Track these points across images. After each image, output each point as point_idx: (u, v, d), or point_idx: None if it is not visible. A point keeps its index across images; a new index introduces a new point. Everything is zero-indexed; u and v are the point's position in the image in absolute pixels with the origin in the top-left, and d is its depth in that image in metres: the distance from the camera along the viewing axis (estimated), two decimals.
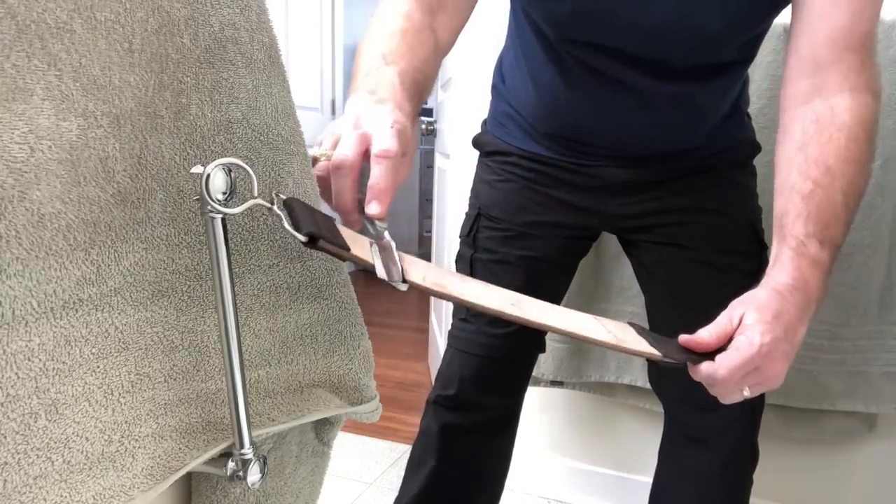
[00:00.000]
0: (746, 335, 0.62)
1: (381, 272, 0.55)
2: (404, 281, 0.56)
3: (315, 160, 0.58)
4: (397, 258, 0.56)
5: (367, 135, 0.57)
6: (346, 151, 0.55)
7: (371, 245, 0.57)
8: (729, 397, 0.64)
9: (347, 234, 0.58)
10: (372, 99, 0.61)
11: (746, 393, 0.63)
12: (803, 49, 0.73)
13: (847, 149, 0.68)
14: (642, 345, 0.64)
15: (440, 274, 0.62)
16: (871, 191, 1.21)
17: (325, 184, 0.58)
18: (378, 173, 0.55)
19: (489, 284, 0.65)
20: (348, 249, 0.55)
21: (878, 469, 1.40)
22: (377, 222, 0.56)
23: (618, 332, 0.65)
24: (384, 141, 0.56)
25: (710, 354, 0.63)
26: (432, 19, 0.79)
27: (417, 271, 0.59)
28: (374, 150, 0.55)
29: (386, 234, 0.56)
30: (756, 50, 0.88)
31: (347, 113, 0.61)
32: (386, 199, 0.55)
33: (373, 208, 0.55)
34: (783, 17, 0.78)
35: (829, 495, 1.44)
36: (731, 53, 0.84)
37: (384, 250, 0.56)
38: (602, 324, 0.66)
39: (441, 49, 0.80)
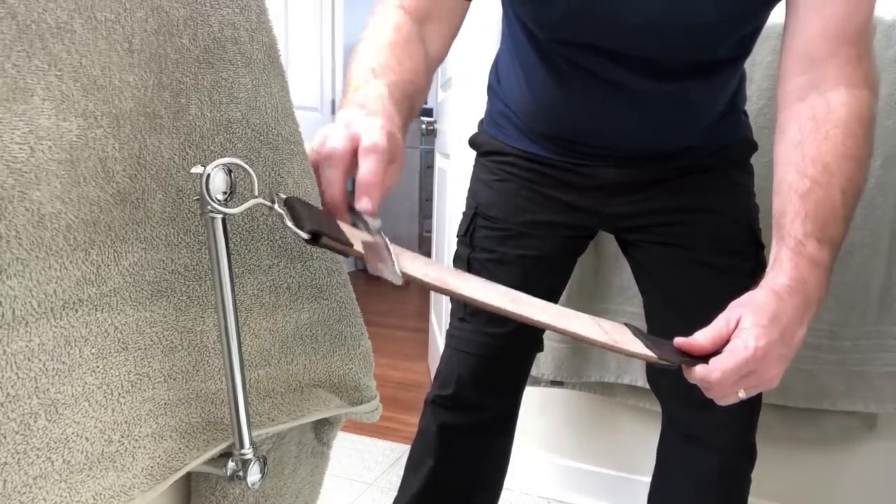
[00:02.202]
0: (742, 338, 0.61)
1: (372, 268, 0.55)
2: (403, 275, 0.55)
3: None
4: (392, 253, 0.56)
5: (357, 134, 0.57)
6: (335, 144, 0.56)
7: (363, 242, 0.57)
8: (724, 399, 0.64)
9: (349, 230, 0.58)
10: (362, 112, 0.62)
11: (742, 395, 0.63)
12: (798, 44, 0.73)
13: (844, 145, 0.68)
14: (638, 346, 0.64)
15: (440, 270, 0.62)
16: (871, 190, 1.21)
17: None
18: (366, 167, 0.55)
19: (488, 282, 0.65)
20: (351, 245, 0.55)
21: (878, 469, 1.40)
22: (369, 219, 0.55)
23: (614, 334, 0.65)
24: (372, 136, 0.56)
25: (706, 357, 0.63)
26: (422, 29, 0.79)
27: (418, 266, 0.59)
28: (362, 146, 0.55)
29: (378, 230, 0.56)
30: (751, 46, 0.88)
31: (338, 121, 0.61)
32: (376, 193, 0.54)
33: (363, 203, 0.54)
34: (783, 16, 0.78)
35: (829, 495, 1.44)
36: (726, 50, 0.84)
37: (376, 246, 0.55)
38: (599, 324, 0.66)
39: (432, 58, 0.81)
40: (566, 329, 0.62)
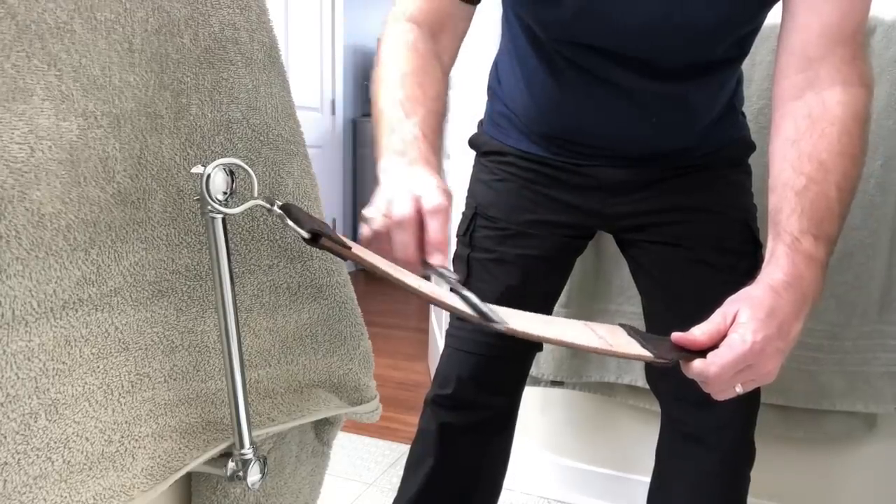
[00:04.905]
0: (739, 333, 0.62)
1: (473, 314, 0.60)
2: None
3: (371, 220, 0.64)
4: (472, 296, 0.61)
5: (418, 196, 0.62)
6: (403, 210, 0.61)
7: (451, 290, 0.63)
8: (722, 394, 0.64)
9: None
10: (403, 161, 0.67)
11: (739, 389, 0.63)
12: (794, 44, 0.73)
13: (840, 143, 0.68)
14: (633, 347, 0.64)
15: (434, 289, 0.63)
16: (872, 190, 1.21)
17: (382, 240, 0.63)
18: (435, 228, 0.61)
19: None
20: (349, 248, 0.55)
21: (878, 469, 1.40)
22: (445, 272, 0.62)
23: (608, 337, 0.65)
24: (435, 197, 0.62)
25: (704, 352, 0.63)
26: (436, 45, 0.82)
27: (410, 280, 0.60)
28: (427, 207, 0.61)
29: (459, 281, 0.63)
30: (748, 47, 0.88)
31: (387, 178, 0.66)
32: (445, 249, 0.61)
33: (437, 259, 0.61)
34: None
35: (829, 495, 1.44)
36: (723, 52, 0.84)
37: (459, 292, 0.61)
38: (592, 329, 0.66)
39: (447, 70, 0.84)
40: (560, 339, 0.62)
